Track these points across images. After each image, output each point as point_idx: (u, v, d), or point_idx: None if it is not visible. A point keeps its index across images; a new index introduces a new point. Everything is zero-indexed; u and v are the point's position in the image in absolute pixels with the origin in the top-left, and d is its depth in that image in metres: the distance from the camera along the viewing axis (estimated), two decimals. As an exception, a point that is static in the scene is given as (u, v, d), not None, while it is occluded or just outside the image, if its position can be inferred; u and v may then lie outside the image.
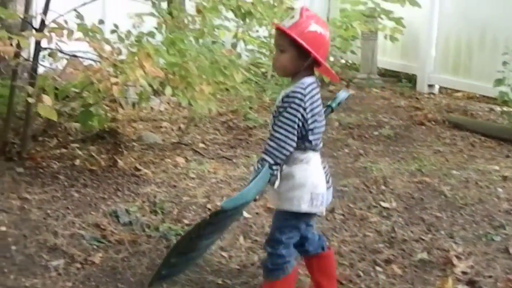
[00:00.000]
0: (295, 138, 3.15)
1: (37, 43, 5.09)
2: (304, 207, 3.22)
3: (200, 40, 5.98)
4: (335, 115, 7.51)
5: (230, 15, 6.68)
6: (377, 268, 4.04)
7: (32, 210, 4.48)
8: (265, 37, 8.15)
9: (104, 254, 4.01)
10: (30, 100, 4.60)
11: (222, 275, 3.85)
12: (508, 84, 7.13)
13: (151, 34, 5.57)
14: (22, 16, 5.10)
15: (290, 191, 3.21)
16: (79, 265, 3.86)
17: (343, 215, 4.78)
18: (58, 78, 6.22)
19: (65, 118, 5.91)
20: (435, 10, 9.14)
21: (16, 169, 5.10)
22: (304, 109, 3.14)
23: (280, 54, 3.22)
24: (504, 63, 7.18)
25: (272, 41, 7.44)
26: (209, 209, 4.73)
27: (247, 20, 6.78)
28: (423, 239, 4.45)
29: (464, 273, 3.99)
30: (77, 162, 5.41)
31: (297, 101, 3.13)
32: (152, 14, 6.22)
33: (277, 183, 3.19)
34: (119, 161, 5.48)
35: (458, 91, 9.10)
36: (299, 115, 3.13)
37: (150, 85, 4.87)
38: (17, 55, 4.79)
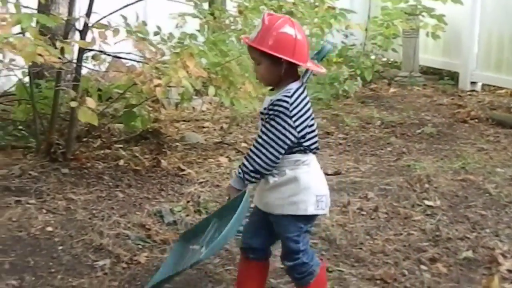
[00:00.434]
0: (280, 149, 3.10)
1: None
2: (311, 210, 3.18)
3: (242, 40, 6.00)
4: (377, 113, 7.50)
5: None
6: (422, 266, 4.03)
7: (77, 211, 4.53)
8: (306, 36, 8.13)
9: (149, 254, 4.04)
10: (73, 104, 4.64)
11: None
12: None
13: (193, 37, 5.60)
14: (65, 19, 5.15)
15: (295, 195, 3.17)
16: (125, 265, 3.90)
17: (387, 213, 4.76)
18: (101, 79, 6.29)
19: (109, 119, 5.98)
20: (477, 6, 9.03)
21: (61, 170, 5.16)
22: (291, 117, 3.10)
23: (257, 67, 3.21)
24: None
25: (311, 40, 7.45)
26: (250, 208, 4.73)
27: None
28: (468, 238, 4.41)
29: (510, 271, 3.96)
30: (121, 162, 5.47)
31: (282, 109, 3.09)
32: (194, 15, 6.25)
33: (272, 179, 3.17)
34: (162, 161, 5.52)
35: (501, 88, 8.97)
36: (285, 125, 3.09)
37: (192, 85, 4.89)
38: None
